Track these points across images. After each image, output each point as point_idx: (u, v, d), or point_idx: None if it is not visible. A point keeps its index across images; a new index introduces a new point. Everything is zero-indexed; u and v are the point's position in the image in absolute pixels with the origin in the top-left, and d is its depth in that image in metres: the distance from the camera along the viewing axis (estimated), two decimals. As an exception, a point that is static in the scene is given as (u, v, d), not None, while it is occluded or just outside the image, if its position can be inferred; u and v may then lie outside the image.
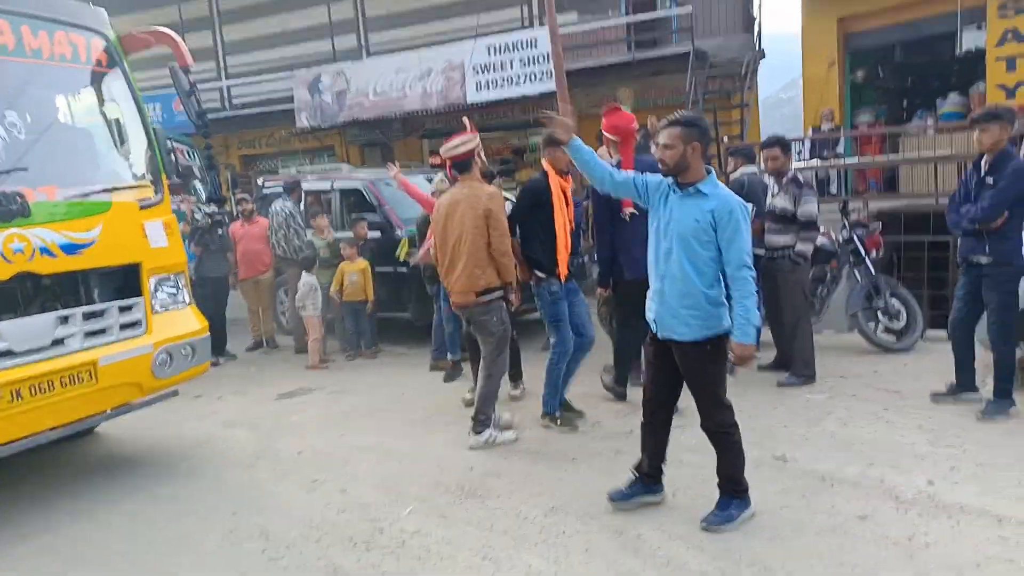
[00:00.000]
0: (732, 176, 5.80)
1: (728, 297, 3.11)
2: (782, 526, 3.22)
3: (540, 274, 4.55)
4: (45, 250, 3.67)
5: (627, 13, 11.71)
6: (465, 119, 4.57)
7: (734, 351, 3.08)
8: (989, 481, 3.52)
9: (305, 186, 8.19)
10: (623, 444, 4.28)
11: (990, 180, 4.27)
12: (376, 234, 7.28)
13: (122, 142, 4.45)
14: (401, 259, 6.97)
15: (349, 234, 7.25)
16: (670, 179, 3.19)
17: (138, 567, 3.26)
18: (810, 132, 10.61)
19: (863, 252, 5.95)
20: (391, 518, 3.57)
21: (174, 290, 4.44)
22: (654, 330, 3.32)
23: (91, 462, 4.65)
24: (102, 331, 3.97)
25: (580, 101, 11.27)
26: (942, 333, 5.87)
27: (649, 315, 3.33)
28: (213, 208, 7.64)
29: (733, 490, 3.28)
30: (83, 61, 4.23)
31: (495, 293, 4.39)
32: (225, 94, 14.20)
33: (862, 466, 3.79)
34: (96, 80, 4.33)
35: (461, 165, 4.41)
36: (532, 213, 4.57)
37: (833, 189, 10.27)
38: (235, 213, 8.06)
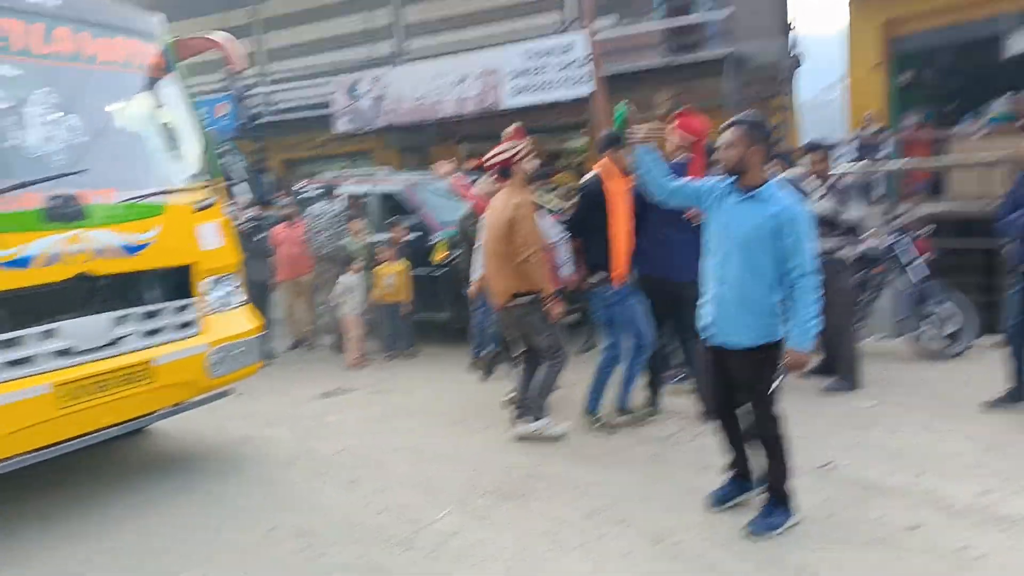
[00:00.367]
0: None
1: (786, 304, 3.06)
2: (828, 535, 3.15)
3: (597, 278, 4.50)
4: (103, 251, 3.74)
5: (664, 17, 11.63)
6: (513, 126, 4.57)
7: (789, 358, 3.02)
8: (1045, 493, 3.40)
9: (343, 190, 8.28)
10: (663, 449, 4.24)
11: None
12: (413, 236, 7.32)
13: (176, 145, 4.52)
14: (437, 261, 7.01)
15: (387, 236, 7.32)
16: (729, 181, 3.15)
17: (181, 564, 3.31)
18: (855, 134, 10.40)
19: (909, 257, 5.81)
20: (429, 519, 3.57)
21: (228, 290, 4.48)
22: (707, 336, 3.27)
23: (139, 459, 4.74)
24: (157, 331, 4.03)
25: (615, 104, 11.24)
26: (991, 340, 5.70)
27: (704, 320, 3.29)
28: (252, 213, 7.75)
29: (777, 498, 3.22)
30: (139, 66, 4.33)
31: (527, 297, 4.40)
32: (267, 100, 14.45)
33: (911, 475, 3.69)
34: (152, 85, 4.41)
35: (502, 172, 4.47)
36: (589, 216, 4.54)
37: (879, 193, 10.05)
38: (277, 217, 8.17)
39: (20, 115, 3.69)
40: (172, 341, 4.06)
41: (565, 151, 12.99)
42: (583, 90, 10.31)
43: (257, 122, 4.67)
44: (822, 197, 5.20)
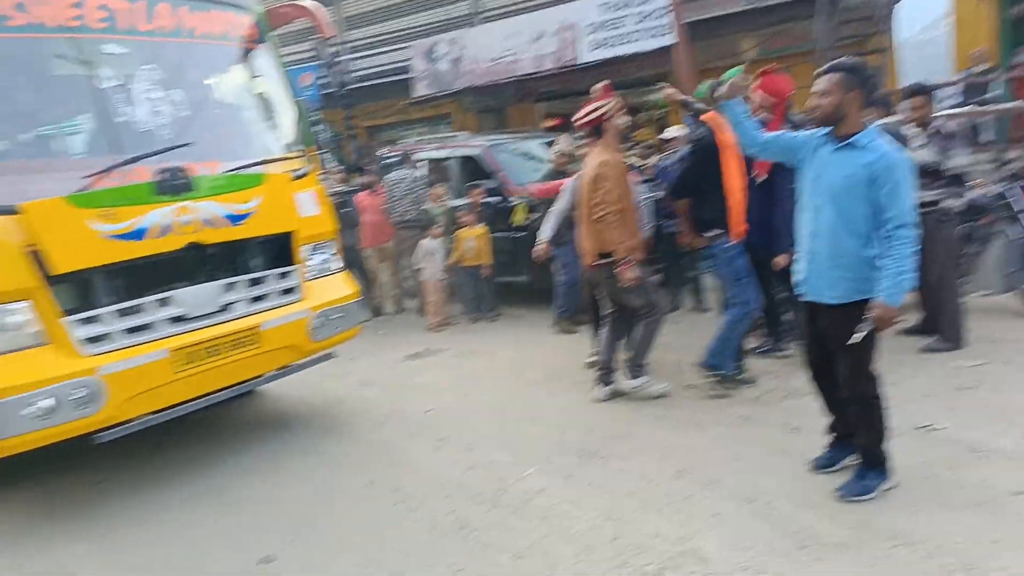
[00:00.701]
0: None
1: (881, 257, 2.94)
2: (926, 499, 3.05)
3: (713, 233, 4.41)
4: (210, 221, 3.87)
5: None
6: (602, 84, 4.49)
7: (875, 312, 2.90)
8: None
9: (424, 155, 8.38)
10: (751, 411, 4.18)
11: None
12: (492, 200, 7.36)
13: (272, 115, 4.64)
14: (517, 224, 7.03)
15: (468, 201, 7.38)
16: (823, 131, 3.03)
17: (284, 517, 3.53)
18: (961, 75, 9.67)
19: (1022, 205, 5.41)
20: (515, 477, 3.66)
21: (326, 257, 4.60)
22: (801, 292, 3.19)
23: (245, 418, 5.04)
24: (263, 297, 4.18)
25: (699, 54, 10.83)
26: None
27: (796, 276, 3.21)
28: (337, 181, 7.94)
29: (872, 460, 3.13)
30: (235, 38, 4.43)
31: (613, 257, 4.37)
32: (345, 69, 14.69)
33: (1017, 437, 3.51)
34: (247, 56, 4.52)
35: (594, 131, 4.44)
36: (703, 170, 4.43)
37: (987, 138, 9.34)
38: (360, 185, 8.34)
39: (128, 91, 3.86)
40: (277, 307, 4.21)
41: (646, 105, 12.66)
42: (664, 41, 9.98)
43: (347, 88, 4.71)
44: (923, 145, 4.89)
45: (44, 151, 4.06)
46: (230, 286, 4.03)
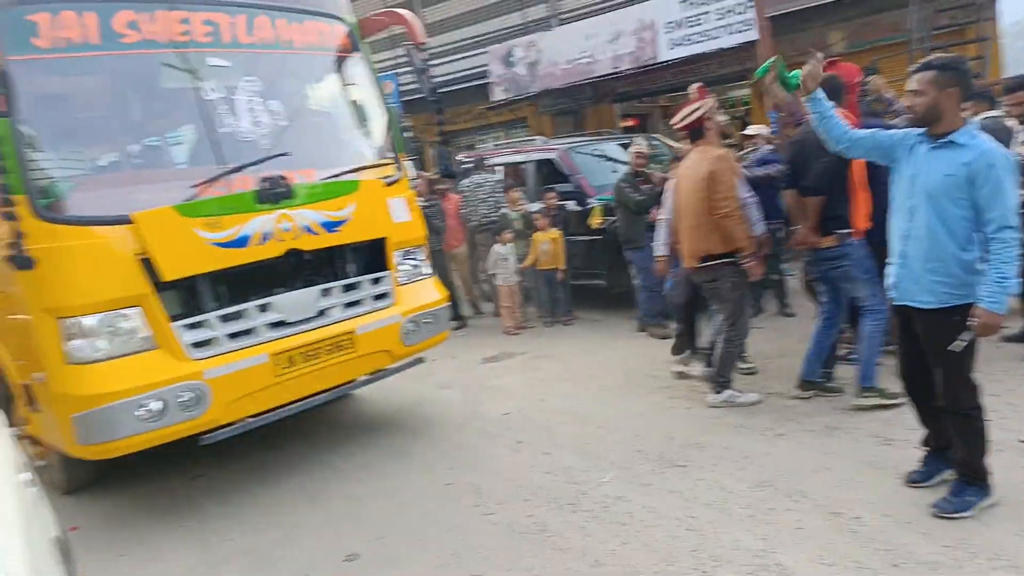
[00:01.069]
0: None
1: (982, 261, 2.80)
2: (1031, 519, 2.87)
3: (843, 231, 4.12)
4: (308, 228, 3.97)
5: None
6: (696, 86, 4.46)
7: (979, 319, 2.76)
8: None
9: (501, 159, 8.46)
10: (839, 421, 4.03)
11: None
12: (569, 203, 7.36)
13: (365, 122, 4.74)
14: (594, 226, 7.00)
15: (542, 205, 7.41)
16: (919, 131, 2.92)
17: (368, 515, 3.64)
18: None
19: None
20: (593, 482, 3.66)
21: (416, 262, 4.66)
22: (892, 297, 3.08)
23: (332, 420, 5.21)
24: (357, 302, 4.25)
25: (784, 49, 10.50)
26: None
27: (888, 280, 3.09)
28: (421, 187, 8.06)
29: (971, 475, 2.97)
30: (329, 47, 4.53)
31: (720, 260, 4.32)
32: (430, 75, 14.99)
33: None
34: (341, 65, 4.62)
35: (694, 133, 4.41)
36: (835, 166, 4.05)
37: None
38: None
39: (231, 103, 3.99)
40: (371, 312, 4.29)
41: (728, 102, 12.38)
42: (745, 37, 9.74)
43: (439, 93, 4.74)
44: (1028, 140, 4.60)
45: (152, 162, 4.29)
46: (326, 292, 4.12)
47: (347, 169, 4.31)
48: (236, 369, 3.69)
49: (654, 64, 10.97)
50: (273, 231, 3.83)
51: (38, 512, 2.15)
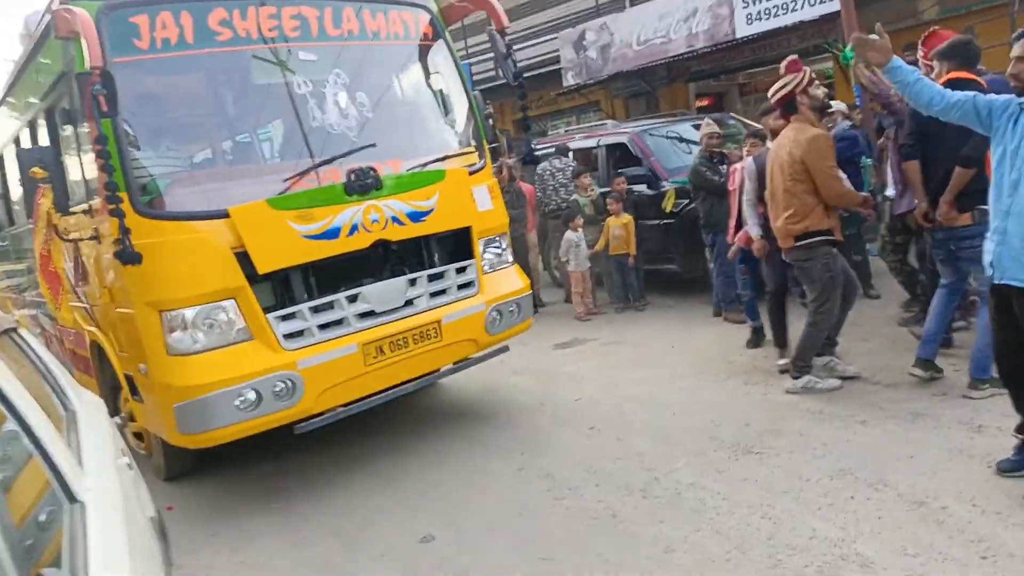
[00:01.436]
0: None
1: None
2: None
3: (982, 208, 3.72)
4: (395, 219, 3.99)
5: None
6: (788, 60, 4.29)
7: None
8: None
9: (573, 145, 8.42)
10: (926, 406, 3.86)
11: None
12: (642, 187, 7.26)
13: (448, 111, 4.71)
14: (668, 210, 6.89)
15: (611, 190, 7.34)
16: (1021, 100, 2.75)
17: (443, 498, 3.74)
18: None
19: None
20: (666, 468, 3.64)
21: (499, 250, 4.66)
22: (990, 274, 2.92)
23: (410, 405, 5.29)
24: (443, 292, 4.26)
25: (870, 18, 9.98)
26: None
27: (986, 258, 2.94)
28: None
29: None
30: (413, 37, 4.53)
31: (815, 238, 4.20)
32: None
33: None
34: (424, 54, 4.61)
35: (786, 107, 4.30)
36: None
37: None
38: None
39: (320, 96, 4.03)
40: (456, 300, 4.31)
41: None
42: (828, 7, 9.31)
43: (522, 78, 4.61)
44: None
45: (244, 157, 4.43)
46: (413, 281, 4.15)
47: (432, 159, 4.32)
48: (327, 359, 3.76)
49: (731, 41, 10.64)
50: (362, 222, 3.88)
51: (137, 493, 2.32)
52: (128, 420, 4.38)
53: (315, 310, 3.82)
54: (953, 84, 3.59)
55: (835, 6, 8.84)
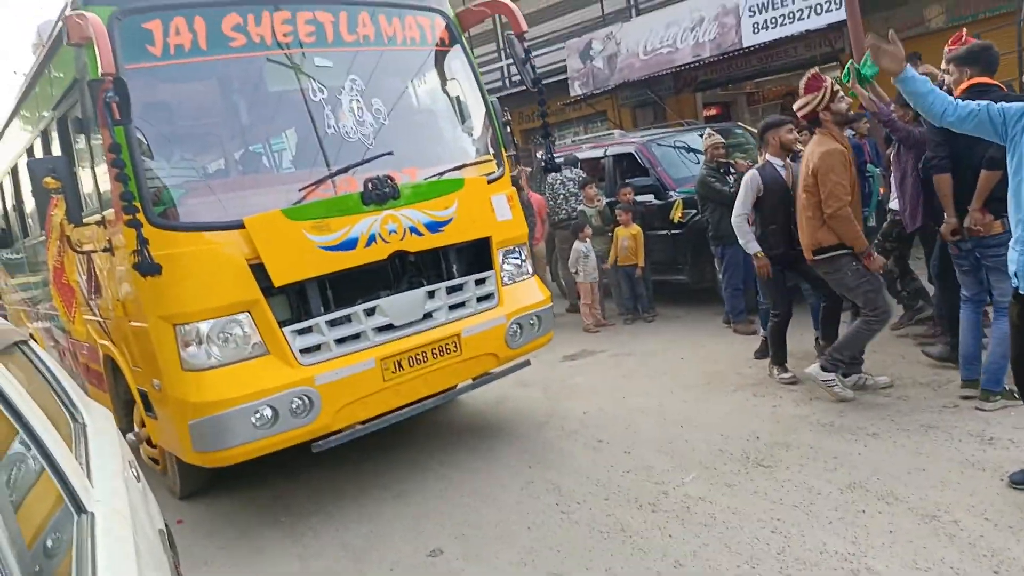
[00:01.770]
0: None
1: None
2: None
3: (988, 220, 3.77)
4: (413, 229, 3.87)
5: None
6: (810, 73, 4.28)
7: None
8: None
9: (580, 155, 8.43)
10: (937, 419, 3.83)
11: None
12: (649, 198, 7.26)
13: (466, 118, 4.59)
14: (676, 220, 6.88)
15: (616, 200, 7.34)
16: None
17: (451, 511, 3.73)
18: None
19: None
20: (675, 482, 3.62)
21: (519, 261, 4.52)
22: (1016, 284, 2.90)
23: (416, 418, 5.29)
24: (462, 304, 4.13)
25: (877, 26, 9.98)
26: None
27: (1011, 267, 2.91)
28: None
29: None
30: (429, 42, 4.41)
31: (835, 251, 4.19)
32: (505, 73, 15.09)
33: None
34: (441, 59, 4.50)
35: (812, 122, 4.32)
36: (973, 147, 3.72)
37: None
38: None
39: (335, 103, 3.92)
40: (476, 313, 4.18)
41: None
42: (834, 16, 9.32)
43: (542, 84, 4.49)
44: None
45: (259, 166, 4.33)
46: (431, 293, 4.03)
47: (450, 167, 4.22)
48: (345, 374, 3.64)
49: (738, 50, 10.66)
50: (379, 232, 3.77)
51: (145, 505, 2.33)
52: (143, 437, 4.32)
53: (332, 324, 3.71)
54: (976, 89, 3.62)
55: (841, 15, 8.85)
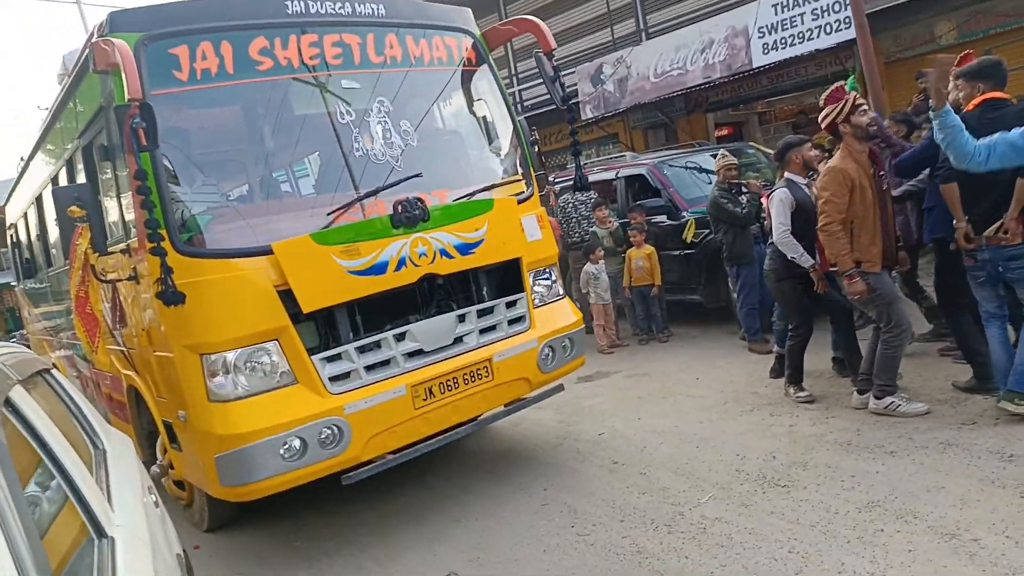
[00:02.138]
0: None
1: None
2: None
3: (1004, 231, 3.73)
4: (444, 252, 3.78)
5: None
6: (831, 88, 4.30)
7: None
8: None
9: (592, 177, 8.47)
10: (956, 436, 3.78)
11: None
12: (662, 218, 7.28)
13: (494, 138, 4.54)
14: (688, 240, 6.90)
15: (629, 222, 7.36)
16: None
17: (466, 534, 3.73)
18: None
19: None
20: (691, 503, 3.60)
21: (549, 282, 4.42)
22: None
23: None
24: (493, 327, 4.03)
25: (887, 45, 10.02)
26: None
27: None
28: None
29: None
30: (456, 62, 4.36)
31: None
32: (518, 97, 15.24)
33: None
34: (468, 79, 4.45)
35: (833, 134, 4.35)
36: None
37: None
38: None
39: (363, 125, 3.84)
40: (507, 337, 4.07)
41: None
42: (844, 35, 9.37)
43: (572, 103, 4.46)
44: None
45: (287, 190, 4.27)
46: (462, 317, 3.93)
47: (479, 187, 4.17)
48: (375, 403, 3.53)
49: (748, 71, 10.73)
50: (409, 256, 3.68)
51: (164, 530, 2.36)
52: (167, 469, 4.24)
53: (361, 350, 3.60)
54: (990, 104, 3.69)
55: (851, 34, 8.90)
